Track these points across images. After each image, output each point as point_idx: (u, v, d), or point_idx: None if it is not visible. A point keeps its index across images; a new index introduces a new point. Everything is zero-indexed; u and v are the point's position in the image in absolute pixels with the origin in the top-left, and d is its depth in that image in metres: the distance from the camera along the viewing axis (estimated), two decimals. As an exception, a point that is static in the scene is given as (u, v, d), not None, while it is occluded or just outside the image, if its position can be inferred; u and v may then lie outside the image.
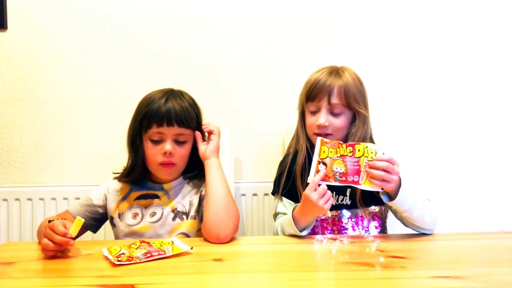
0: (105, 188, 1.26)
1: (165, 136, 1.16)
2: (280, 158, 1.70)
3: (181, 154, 1.19)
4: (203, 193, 1.22)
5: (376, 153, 1.07)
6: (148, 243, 1.00)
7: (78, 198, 1.61)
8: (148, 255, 0.94)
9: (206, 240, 1.10)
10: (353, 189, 1.19)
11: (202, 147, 1.21)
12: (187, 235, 1.18)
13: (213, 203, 1.13)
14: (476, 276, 0.82)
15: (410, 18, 1.69)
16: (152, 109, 1.15)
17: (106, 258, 0.94)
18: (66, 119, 1.70)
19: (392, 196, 1.07)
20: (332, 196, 1.14)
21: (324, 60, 1.66)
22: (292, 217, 1.12)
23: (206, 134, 1.24)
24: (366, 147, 1.08)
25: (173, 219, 1.19)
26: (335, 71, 1.21)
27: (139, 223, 1.19)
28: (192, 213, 1.20)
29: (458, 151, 1.69)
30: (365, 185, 1.06)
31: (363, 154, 1.07)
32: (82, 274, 0.89)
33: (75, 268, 0.93)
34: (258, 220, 1.67)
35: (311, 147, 1.25)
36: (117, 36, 1.69)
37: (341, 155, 1.08)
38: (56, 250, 0.98)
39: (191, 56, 1.69)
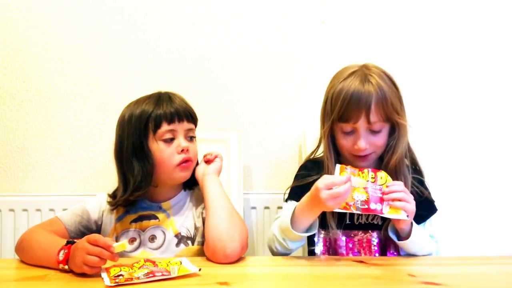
0: (103, 202, 1.25)
1: (176, 133, 1.20)
2: (296, 166, 1.70)
3: (195, 150, 1.24)
4: (204, 215, 1.21)
5: None
6: (154, 262, 1.01)
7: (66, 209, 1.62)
8: (151, 275, 0.95)
9: (211, 261, 1.10)
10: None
11: (200, 167, 1.26)
12: None
13: (213, 216, 1.13)
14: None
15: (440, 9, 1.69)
16: (154, 109, 1.19)
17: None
18: (53, 119, 1.72)
19: (402, 235, 1.13)
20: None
21: (348, 55, 1.66)
22: (294, 213, 1.12)
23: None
24: (388, 176, 1.13)
25: (177, 245, 1.19)
26: (365, 78, 1.17)
27: (137, 248, 1.19)
28: (199, 238, 1.21)
29: (487, 168, 1.67)
30: (389, 214, 1.08)
31: (385, 182, 1.11)
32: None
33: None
34: (271, 237, 1.66)
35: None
36: (112, 27, 1.71)
37: None
38: (100, 267, 0.98)
39: (195, 49, 1.70)
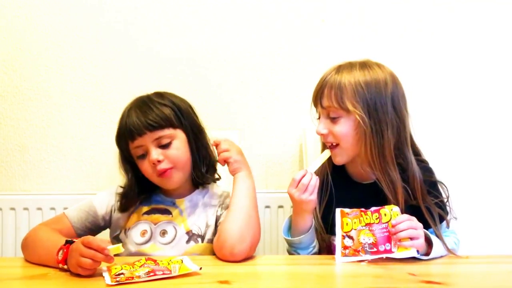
0: (113, 195, 1.25)
1: (145, 147, 1.17)
2: (297, 164, 1.71)
3: (174, 155, 1.17)
4: (218, 213, 1.22)
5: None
6: (155, 261, 1.01)
7: (66, 208, 1.62)
8: (151, 274, 0.95)
9: (216, 255, 1.11)
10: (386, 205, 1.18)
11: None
12: None
13: (230, 214, 1.14)
14: (524, 307, 0.81)
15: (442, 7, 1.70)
16: (119, 128, 1.21)
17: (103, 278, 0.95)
18: (54, 118, 1.71)
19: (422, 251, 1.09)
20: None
21: (348, 54, 1.65)
22: (291, 220, 1.21)
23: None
24: (392, 210, 1.09)
25: (187, 242, 1.19)
26: (338, 68, 1.19)
27: (148, 241, 1.19)
28: (209, 236, 1.21)
29: (487, 167, 1.67)
30: (399, 252, 1.05)
31: (390, 219, 1.08)
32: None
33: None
34: (271, 236, 1.66)
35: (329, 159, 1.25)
36: (112, 26, 1.70)
37: (367, 224, 1.09)
38: (95, 268, 0.98)
39: (196, 49, 1.70)
